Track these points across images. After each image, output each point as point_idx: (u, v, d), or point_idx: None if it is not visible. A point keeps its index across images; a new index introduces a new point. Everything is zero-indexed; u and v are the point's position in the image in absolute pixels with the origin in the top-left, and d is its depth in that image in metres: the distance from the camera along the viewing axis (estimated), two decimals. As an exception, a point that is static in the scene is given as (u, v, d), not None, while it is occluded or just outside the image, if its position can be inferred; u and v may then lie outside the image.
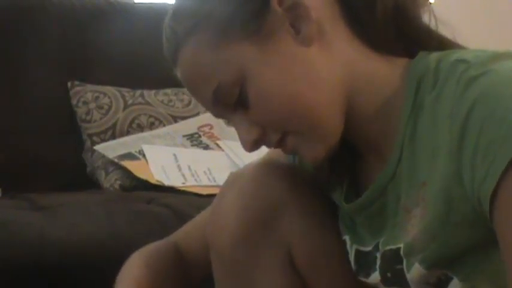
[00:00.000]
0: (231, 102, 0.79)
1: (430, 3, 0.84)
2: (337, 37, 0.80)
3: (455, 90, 0.71)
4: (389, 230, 0.83)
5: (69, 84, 2.10)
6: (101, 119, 2.03)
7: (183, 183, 1.78)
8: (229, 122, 0.86)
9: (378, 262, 0.86)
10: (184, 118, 2.11)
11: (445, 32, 0.83)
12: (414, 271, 0.79)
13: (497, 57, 0.72)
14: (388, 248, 0.83)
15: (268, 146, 0.84)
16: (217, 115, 0.85)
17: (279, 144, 0.82)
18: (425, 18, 0.83)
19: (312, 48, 0.78)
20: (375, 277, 0.87)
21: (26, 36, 2.08)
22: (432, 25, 0.82)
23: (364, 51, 0.81)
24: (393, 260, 0.82)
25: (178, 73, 0.83)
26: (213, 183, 1.78)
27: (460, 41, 0.82)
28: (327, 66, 0.79)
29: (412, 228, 0.78)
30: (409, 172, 0.78)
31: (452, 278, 0.77)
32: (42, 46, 2.09)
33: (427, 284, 0.80)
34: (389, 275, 0.84)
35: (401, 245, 0.80)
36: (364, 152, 0.87)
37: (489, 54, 0.73)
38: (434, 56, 0.78)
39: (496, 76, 0.69)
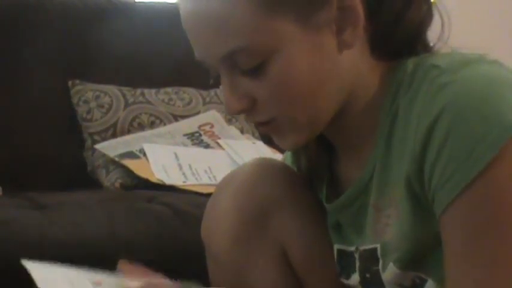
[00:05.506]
0: (244, 67, 0.76)
1: (433, 2, 0.85)
2: (361, 48, 0.80)
3: (426, 95, 0.74)
4: (366, 230, 0.85)
5: (69, 83, 2.09)
6: (101, 117, 2.03)
7: (184, 182, 1.78)
8: (215, 78, 0.81)
9: (357, 263, 0.87)
10: (185, 117, 2.10)
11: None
12: (388, 271, 0.81)
13: (467, 62, 0.75)
14: (363, 248, 0.85)
15: (250, 119, 0.81)
16: (211, 67, 0.80)
17: (262, 124, 0.81)
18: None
19: (344, 53, 0.78)
20: (355, 278, 0.88)
21: (27, 34, 2.08)
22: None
23: (370, 59, 0.82)
24: (370, 260, 0.84)
25: (201, 5, 0.75)
26: (213, 182, 1.77)
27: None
28: (346, 72, 0.79)
29: (386, 227, 0.80)
30: (382, 172, 0.80)
31: (426, 281, 0.79)
32: (42, 45, 2.09)
33: (401, 286, 0.81)
34: (368, 275, 0.85)
35: (378, 245, 0.82)
36: (345, 152, 0.89)
37: (460, 59, 0.76)
38: (412, 61, 0.80)
39: (464, 85, 0.72)
